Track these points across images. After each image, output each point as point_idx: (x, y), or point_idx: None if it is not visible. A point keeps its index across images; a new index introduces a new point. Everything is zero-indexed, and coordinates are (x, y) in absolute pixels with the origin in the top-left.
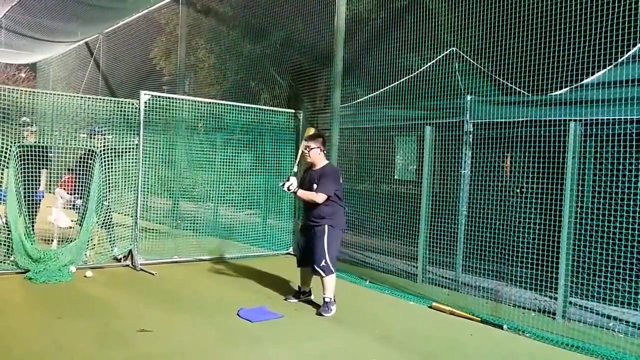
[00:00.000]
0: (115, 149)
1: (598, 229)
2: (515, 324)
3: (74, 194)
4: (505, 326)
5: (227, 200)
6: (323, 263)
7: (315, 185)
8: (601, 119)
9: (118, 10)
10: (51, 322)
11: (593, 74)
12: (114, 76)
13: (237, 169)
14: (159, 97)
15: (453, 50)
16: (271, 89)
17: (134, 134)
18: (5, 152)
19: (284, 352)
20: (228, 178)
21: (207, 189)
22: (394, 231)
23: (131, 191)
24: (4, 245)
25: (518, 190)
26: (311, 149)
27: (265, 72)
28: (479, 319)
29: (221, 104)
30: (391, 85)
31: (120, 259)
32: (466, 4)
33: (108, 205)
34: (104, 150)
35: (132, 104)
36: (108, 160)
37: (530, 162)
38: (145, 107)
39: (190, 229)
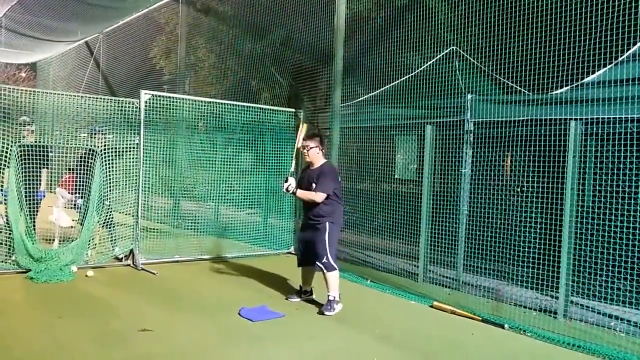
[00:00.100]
0: (115, 148)
1: (599, 228)
2: (516, 323)
3: (75, 193)
4: (506, 325)
5: (228, 199)
6: (325, 260)
7: (314, 185)
8: (602, 118)
9: (118, 10)
10: (52, 321)
11: (593, 72)
12: (114, 75)
13: (237, 168)
14: (160, 96)
15: (453, 49)
16: (271, 88)
17: (134, 134)
18: (6, 152)
19: (285, 351)
20: (229, 177)
21: (207, 188)
22: (395, 230)
23: (132, 190)
24: (5, 244)
25: (519, 189)
26: (310, 148)
27: (265, 71)
28: (480, 318)
29: (221, 103)
30: (391, 84)
31: (122, 258)
32: (466, 2)
33: (109, 205)
34: (104, 149)
35: (133, 104)
36: (109, 160)
37: (530, 161)
38: (146, 106)
39: (191, 229)
